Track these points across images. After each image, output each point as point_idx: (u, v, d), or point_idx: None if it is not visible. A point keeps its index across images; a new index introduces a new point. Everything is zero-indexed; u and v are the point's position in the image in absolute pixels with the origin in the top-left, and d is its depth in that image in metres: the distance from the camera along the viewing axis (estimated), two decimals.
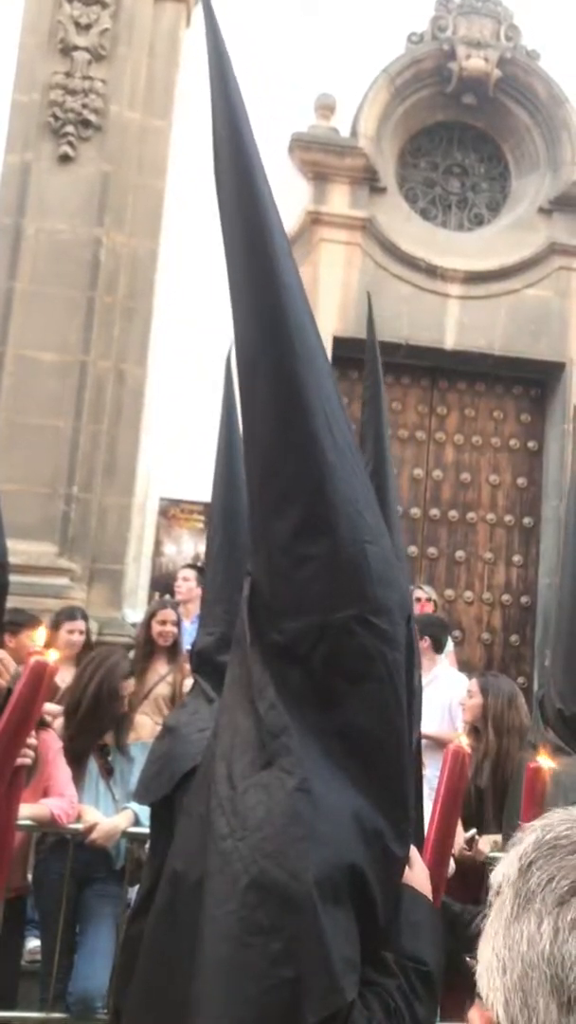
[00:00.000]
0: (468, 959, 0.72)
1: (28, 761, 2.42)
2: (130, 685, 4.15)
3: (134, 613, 7.16)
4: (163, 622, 5.50)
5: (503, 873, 0.71)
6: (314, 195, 8.18)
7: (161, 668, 5.49)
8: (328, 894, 1.34)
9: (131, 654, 5.04)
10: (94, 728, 4.02)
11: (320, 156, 8.18)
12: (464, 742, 3.83)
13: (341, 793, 1.45)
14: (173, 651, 5.48)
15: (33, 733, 2.47)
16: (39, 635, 2.34)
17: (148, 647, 5.51)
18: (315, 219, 8.09)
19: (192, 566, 6.88)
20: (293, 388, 1.55)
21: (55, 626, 5.34)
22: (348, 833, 1.41)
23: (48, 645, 2.39)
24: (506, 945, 0.68)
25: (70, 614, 5.64)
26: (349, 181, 8.23)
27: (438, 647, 5.87)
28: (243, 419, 1.63)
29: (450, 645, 7.07)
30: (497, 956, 0.68)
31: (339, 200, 8.21)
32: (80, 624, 5.55)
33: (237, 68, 1.69)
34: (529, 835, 0.71)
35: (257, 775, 1.45)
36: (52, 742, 3.76)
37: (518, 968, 0.66)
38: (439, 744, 4.50)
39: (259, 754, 1.47)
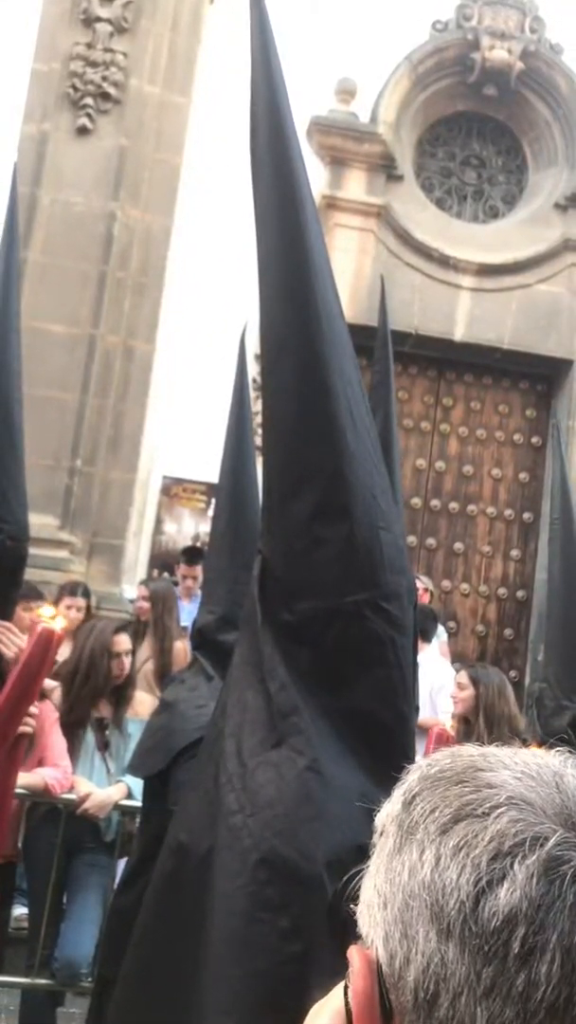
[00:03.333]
0: (350, 906, 0.70)
1: (29, 730, 2.44)
2: (122, 642, 4.08)
3: (132, 589, 7.17)
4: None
5: (387, 812, 0.69)
6: (330, 180, 8.15)
7: (148, 645, 5.52)
8: (337, 874, 1.36)
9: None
10: (91, 691, 4.00)
11: (338, 141, 8.15)
12: (448, 725, 3.85)
13: (350, 774, 1.47)
14: (155, 632, 5.51)
15: (39, 704, 2.49)
16: (47, 611, 2.35)
17: (136, 624, 5.55)
18: (330, 204, 8.06)
19: (190, 559, 6.74)
20: (319, 370, 1.56)
21: (56, 600, 5.36)
22: (357, 814, 1.43)
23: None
24: (387, 879, 0.66)
25: (71, 589, 5.66)
26: (366, 167, 8.20)
27: (424, 635, 5.92)
28: (264, 399, 1.64)
29: (443, 635, 7.11)
30: (378, 892, 0.66)
31: (355, 186, 8.19)
32: (80, 601, 5.57)
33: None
34: (414, 772, 0.70)
35: (267, 753, 1.47)
36: (49, 712, 3.78)
37: (398, 900, 0.64)
38: (422, 730, 4.54)
39: (269, 733, 1.49)
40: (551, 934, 0.58)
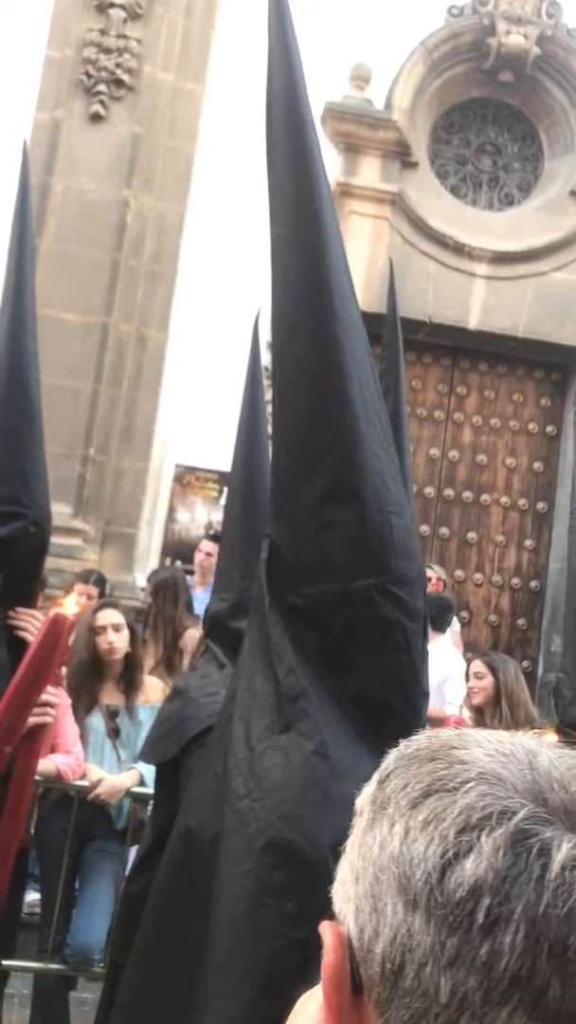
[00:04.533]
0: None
1: (49, 719, 2.43)
2: (103, 617, 4.04)
3: (144, 577, 7.19)
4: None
5: (365, 794, 0.71)
6: (344, 167, 8.10)
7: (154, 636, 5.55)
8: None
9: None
10: (81, 670, 3.99)
11: (352, 127, 8.10)
12: (466, 715, 3.85)
13: (357, 758, 1.47)
14: (157, 622, 5.52)
15: (55, 691, 2.49)
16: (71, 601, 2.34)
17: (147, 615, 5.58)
18: (344, 191, 8.02)
19: (214, 538, 6.83)
20: (332, 353, 1.55)
21: (70, 588, 5.37)
22: None
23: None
24: (360, 854, 0.67)
25: (85, 577, 5.67)
26: (380, 154, 8.15)
27: (436, 625, 5.90)
28: (275, 382, 1.63)
29: (456, 625, 7.09)
30: (352, 867, 0.68)
31: (369, 173, 8.14)
32: (92, 588, 5.58)
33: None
34: (392, 753, 0.71)
35: (275, 738, 1.47)
36: (62, 699, 3.79)
37: (370, 874, 0.65)
38: (432, 721, 4.55)
39: (277, 717, 1.49)
40: (516, 905, 0.59)
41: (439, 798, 0.64)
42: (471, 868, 0.60)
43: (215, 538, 6.62)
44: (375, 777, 0.70)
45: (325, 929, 0.67)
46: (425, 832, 0.63)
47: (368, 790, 0.70)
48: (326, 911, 1.34)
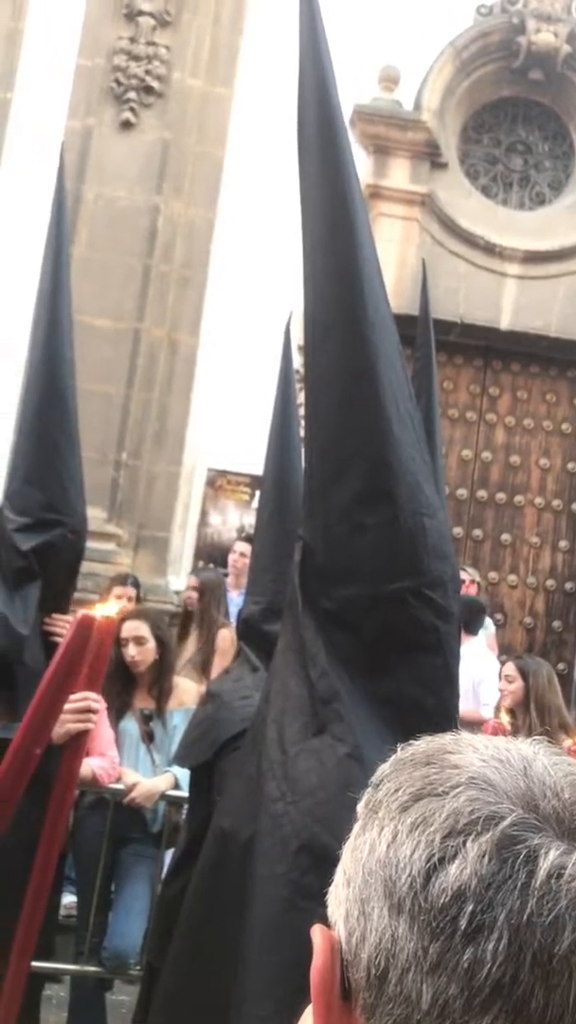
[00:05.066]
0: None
1: (91, 726, 2.44)
2: (127, 629, 4.01)
3: (178, 580, 7.22)
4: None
5: (363, 800, 0.70)
6: (374, 169, 8.08)
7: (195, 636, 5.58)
8: None
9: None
10: (107, 679, 4.00)
11: (381, 129, 8.08)
12: (505, 720, 3.82)
13: None
14: (201, 623, 5.55)
15: (95, 698, 2.49)
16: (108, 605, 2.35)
17: (184, 615, 5.62)
18: (374, 193, 8.00)
19: (248, 539, 6.88)
20: (364, 355, 1.55)
21: (106, 591, 5.41)
22: None
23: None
24: (352, 858, 0.67)
25: (122, 579, 5.71)
26: (410, 155, 8.13)
27: (468, 628, 5.87)
28: (307, 384, 1.63)
29: (491, 628, 7.04)
30: (343, 871, 0.67)
31: (399, 174, 8.12)
32: (130, 590, 5.62)
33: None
34: (391, 757, 0.70)
35: (308, 741, 1.47)
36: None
37: (359, 878, 0.65)
38: (467, 724, 4.51)
39: (311, 720, 1.49)
40: (499, 912, 0.58)
41: (428, 802, 0.63)
42: (455, 873, 0.59)
43: (249, 539, 6.65)
44: (372, 780, 0.70)
45: (316, 932, 0.67)
46: (412, 836, 0.62)
47: (366, 796, 0.70)
48: None
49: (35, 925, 2.36)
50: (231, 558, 6.68)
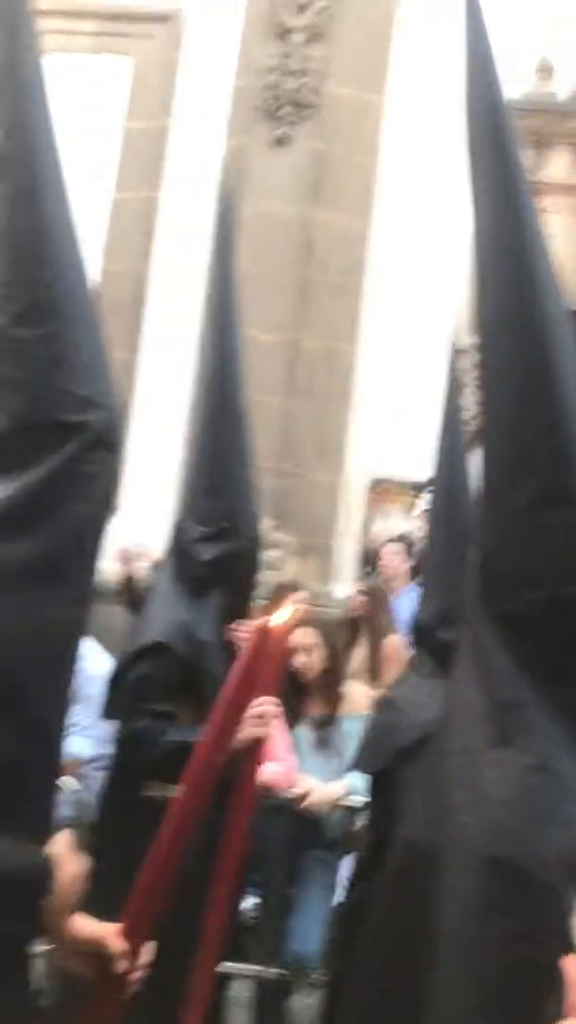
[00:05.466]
0: None
1: (270, 732, 2.48)
2: (298, 637, 4.03)
3: (341, 588, 7.25)
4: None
5: None
6: (533, 163, 7.91)
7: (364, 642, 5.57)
8: (570, 877, 1.32)
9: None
10: (288, 681, 4.02)
11: (539, 122, 7.90)
12: None
13: None
14: (371, 629, 5.53)
15: (274, 703, 2.53)
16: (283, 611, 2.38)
17: (352, 622, 5.61)
18: (534, 187, 7.84)
19: (398, 539, 6.84)
20: (540, 353, 1.52)
21: (277, 599, 5.47)
22: None
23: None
24: None
25: (293, 587, 5.77)
26: (570, 146, 7.92)
27: None
28: (481, 382, 1.61)
29: None
30: None
31: (559, 166, 7.92)
32: (303, 597, 5.67)
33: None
34: None
35: (495, 751, 1.44)
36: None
37: None
38: None
39: (494, 730, 1.46)
40: None
41: None
42: None
43: (400, 539, 6.58)
44: None
45: (570, 965, 0.65)
46: None
47: None
48: (555, 931, 1.30)
49: (220, 928, 2.41)
50: (383, 562, 6.65)
